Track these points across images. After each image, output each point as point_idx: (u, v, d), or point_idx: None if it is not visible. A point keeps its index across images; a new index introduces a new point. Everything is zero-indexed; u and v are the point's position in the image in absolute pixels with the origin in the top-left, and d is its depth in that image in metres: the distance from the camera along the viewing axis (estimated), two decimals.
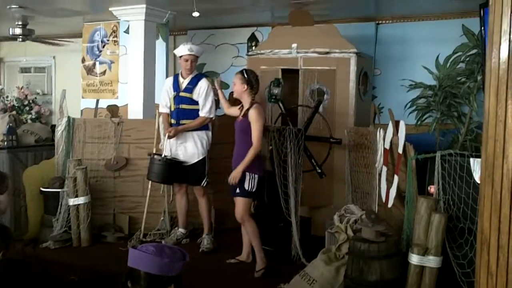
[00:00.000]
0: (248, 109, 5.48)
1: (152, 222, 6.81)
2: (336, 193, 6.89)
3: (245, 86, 5.51)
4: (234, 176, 5.42)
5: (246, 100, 5.56)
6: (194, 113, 6.32)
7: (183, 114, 6.34)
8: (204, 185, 6.39)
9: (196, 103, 6.31)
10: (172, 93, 6.41)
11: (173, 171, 6.25)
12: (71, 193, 6.38)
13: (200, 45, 9.01)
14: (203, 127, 6.36)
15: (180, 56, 6.34)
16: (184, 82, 6.36)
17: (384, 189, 5.25)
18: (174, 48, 9.49)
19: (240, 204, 5.54)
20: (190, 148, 6.35)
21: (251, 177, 5.46)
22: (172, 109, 6.42)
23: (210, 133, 6.45)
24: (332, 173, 6.84)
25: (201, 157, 6.35)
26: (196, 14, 6.67)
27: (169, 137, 6.28)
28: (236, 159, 5.56)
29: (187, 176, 6.38)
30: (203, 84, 6.30)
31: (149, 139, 6.88)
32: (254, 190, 5.51)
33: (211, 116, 6.33)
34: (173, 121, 6.41)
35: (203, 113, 6.29)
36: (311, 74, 6.99)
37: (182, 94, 6.33)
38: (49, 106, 11.12)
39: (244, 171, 5.42)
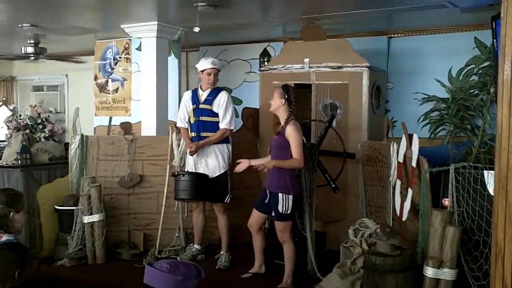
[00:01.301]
0: (283, 126, 5.38)
1: (167, 238, 6.81)
2: (350, 207, 6.87)
3: (283, 101, 5.39)
4: (265, 165, 5.31)
5: (282, 116, 5.44)
6: (215, 125, 6.27)
7: (203, 127, 6.29)
8: (228, 201, 6.34)
9: (216, 115, 6.26)
10: (191, 106, 6.36)
11: (202, 185, 6.15)
12: (86, 211, 6.40)
13: None
14: (223, 140, 6.30)
15: (202, 71, 6.29)
16: (203, 95, 6.32)
17: (398, 203, 5.24)
18: (187, 65, 9.65)
19: (278, 226, 5.48)
20: (211, 162, 6.28)
21: (284, 198, 5.33)
22: (192, 121, 6.36)
23: (230, 146, 6.39)
24: (346, 187, 6.83)
25: (222, 171, 6.29)
26: (197, 29, 6.68)
27: (191, 153, 6.23)
28: (271, 177, 5.47)
29: (210, 192, 6.27)
30: (223, 95, 6.28)
31: (162, 156, 6.88)
32: (289, 211, 5.38)
33: (231, 128, 6.29)
34: (193, 134, 6.35)
35: (223, 125, 6.24)
36: (323, 88, 7.00)
37: (202, 106, 6.29)
38: (62, 124, 11.22)
39: (277, 193, 5.36)
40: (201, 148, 6.24)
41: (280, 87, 5.50)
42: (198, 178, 6.17)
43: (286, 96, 5.39)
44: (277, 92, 5.47)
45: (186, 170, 6.34)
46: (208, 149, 6.27)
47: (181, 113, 6.50)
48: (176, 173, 6.28)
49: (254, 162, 5.58)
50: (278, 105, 5.43)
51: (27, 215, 6.55)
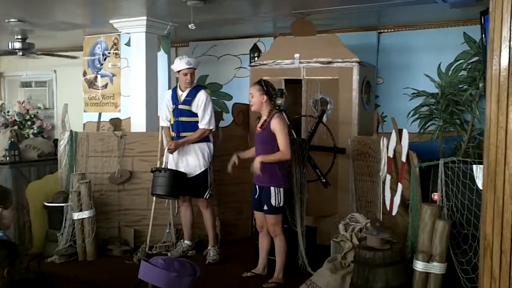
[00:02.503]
0: (267, 120, 5.38)
1: (158, 234, 6.82)
2: (341, 202, 6.89)
3: (264, 97, 5.40)
4: (256, 166, 5.30)
5: (265, 111, 5.45)
6: (194, 125, 6.30)
7: (183, 127, 6.32)
8: (207, 197, 6.37)
9: (196, 115, 6.29)
10: (171, 106, 6.40)
11: (178, 182, 6.20)
12: (76, 207, 6.39)
13: (202, 57, 9.10)
14: (203, 139, 6.33)
15: (179, 71, 6.31)
16: (182, 95, 6.34)
17: (388, 197, 5.25)
18: None
19: (270, 220, 5.49)
20: (191, 161, 6.32)
21: (276, 191, 5.37)
22: (172, 122, 6.41)
23: (211, 144, 6.42)
24: (336, 182, 6.84)
25: (203, 169, 6.32)
26: (192, 26, 6.67)
27: (170, 151, 6.27)
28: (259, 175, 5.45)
29: (190, 188, 6.34)
30: (201, 95, 6.28)
31: (152, 152, 6.89)
32: (282, 204, 5.42)
33: (210, 127, 6.31)
34: (173, 134, 6.40)
35: (202, 125, 6.26)
36: (314, 84, 7.00)
37: (181, 106, 6.32)
38: (51, 120, 11.14)
39: (269, 186, 5.38)
40: (182, 147, 6.27)
41: (257, 84, 5.49)
42: (175, 175, 6.21)
43: (266, 91, 5.40)
44: (255, 89, 5.46)
45: (164, 167, 6.34)
46: (188, 148, 6.31)
47: (162, 112, 6.56)
48: (154, 169, 6.30)
49: (244, 155, 5.73)
50: (260, 102, 5.43)
51: (16, 212, 6.53)
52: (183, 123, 6.32)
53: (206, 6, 6.43)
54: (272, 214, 5.44)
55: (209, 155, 6.39)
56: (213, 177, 6.43)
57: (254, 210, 5.72)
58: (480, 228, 3.13)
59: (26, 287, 3.18)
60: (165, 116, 6.49)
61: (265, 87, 5.42)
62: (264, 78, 6.77)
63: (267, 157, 5.31)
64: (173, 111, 6.37)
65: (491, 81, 2.94)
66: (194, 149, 6.31)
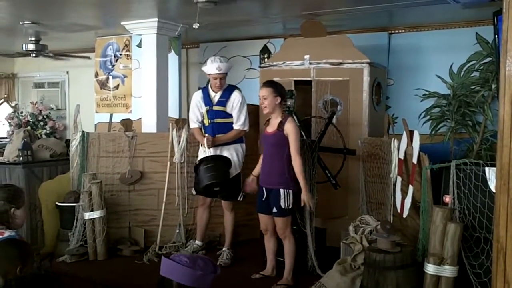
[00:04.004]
0: (283, 121, 5.28)
1: (168, 235, 6.83)
2: (351, 204, 6.87)
3: (279, 99, 5.31)
4: (308, 199, 5.24)
5: (278, 113, 5.35)
6: (229, 127, 6.22)
7: (218, 128, 6.23)
8: (241, 199, 6.32)
9: (230, 116, 6.22)
10: (204, 108, 6.30)
11: (225, 167, 6.03)
12: (87, 207, 6.41)
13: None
14: (238, 139, 6.28)
15: (209, 74, 6.22)
16: (216, 96, 6.25)
17: (399, 199, 5.24)
18: (187, 61, 9.66)
19: (280, 223, 5.43)
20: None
21: (285, 193, 5.30)
22: (207, 124, 6.30)
23: (244, 145, 6.37)
24: (346, 184, 6.82)
25: (239, 170, 6.26)
26: (196, 25, 6.66)
27: (208, 146, 6.09)
28: (268, 174, 5.43)
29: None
30: (236, 96, 6.22)
31: (163, 153, 6.89)
32: (291, 207, 5.36)
33: (245, 128, 6.25)
34: (207, 136, 6.27)
35: (237, 126, 6.19)
36: (324, 85, 6.99)
37: (215, 108, 6.23)
38: (63, 121, 11.23)
39: (278, 189, 5.32)
40: (215, 148, 6.18)
41: (269, 86, 5.40)
42: (220, 160, 6.05)
43: (280, 92, 5.34)
44: (268, 91, 5.33)
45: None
46: (223, 149, 6.21)
47: (192, 114, 6.41)
48: (198, 162, 6.10)
49: (257, 172, 5.71)
50: (274, 104, 5.33)
51: (28, 212, 6.58)
52: (219, 125, 6.24)
53: (216, 7, 6.43)
54: (281, 216, 5.40)
55: (242, 156, 6.33)
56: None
57: (260, 212, 5.63)
58: (493, 231, 3.11)
59: (36, 285, 3.19)
60: (195, 118, 6.37)
61: (278, 88, 5.36)
62: (274, 79, 6.79)
63: (303, 184, 5.23)
64: (207, 112, 6.27)
65: (504, 82, 2.91)
66: (228, 149, 6.22)
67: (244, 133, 6.31)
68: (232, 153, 6.24)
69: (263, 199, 5.49)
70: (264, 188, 5.48)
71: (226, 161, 6.09)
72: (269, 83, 5.47)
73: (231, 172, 6.12)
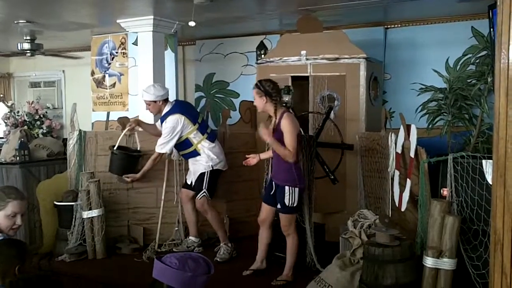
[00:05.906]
0: (278, 120, 5.29)
1: (167, 232, 6.84)
2: (349, 199, 6.88)
3: (264, 98, 5.31)
4: (264, 132, 5.21)
5: (271, 111, 5.37)
6: (179, 145, 6.37)
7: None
8: (200, 198, 6.30)
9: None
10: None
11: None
12: (85, 206, 6.40)
13: (209, 55, 9.08)
14: (191, 153, 6.36)
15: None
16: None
17: (397, 193, 5.24)
18: (183, 59, 9.67)
19: (283, 219, 5.45)
20: (193, 169, 6.41)
21: (291, 191, 5.29)
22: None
23: (200, 156, 6.33)
24: (344, 178, 6.84)
25: (205, 171, 6.29)
26: (192, 23, 6.66)
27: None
28: (276, 170, 5.45)
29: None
30: (168, 120, 6.24)
31: None
32: (295, 204, 5.36)
33: (160, 151, 6.31)
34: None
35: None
36: (321, 80, 6.99)
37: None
38: (60, 120, 11.20)
39: (284, 186, 5.33)
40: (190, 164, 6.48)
41: (255, 87, 5.41)
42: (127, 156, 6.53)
43: (264, 92, 5.31)
44: (254, 92, 5.38)
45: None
46: (189, 163, 6.48)
47: None
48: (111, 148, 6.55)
49: (263, 156, 5.74)
50: (262, 104, 5.36)
51: (27, 212, 6.56)
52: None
53: (212, 4, 6.43)
54: (286, 213, 5.41)
55: (207, 159, 6.34)
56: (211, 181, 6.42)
57: (264, 202, 5.63)
58: (490, 223, 3.12)
59: (35, 284, 3.19)
60: None
61: (263, 87, 5.33)
62: (271, 75, 6.81)
63: (277, 145, 5.21)
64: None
65: (499, 75, 2.92)
66: (190, 162, 6.47)
67: (160, 156, 6.38)
68: (194, 163, 6.40)
69: (271, 192, 5.53)
70: (273, 183, 5.51)
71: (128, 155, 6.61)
72: (256, 84, 5.47)
73: (195, 175, 6.35)
